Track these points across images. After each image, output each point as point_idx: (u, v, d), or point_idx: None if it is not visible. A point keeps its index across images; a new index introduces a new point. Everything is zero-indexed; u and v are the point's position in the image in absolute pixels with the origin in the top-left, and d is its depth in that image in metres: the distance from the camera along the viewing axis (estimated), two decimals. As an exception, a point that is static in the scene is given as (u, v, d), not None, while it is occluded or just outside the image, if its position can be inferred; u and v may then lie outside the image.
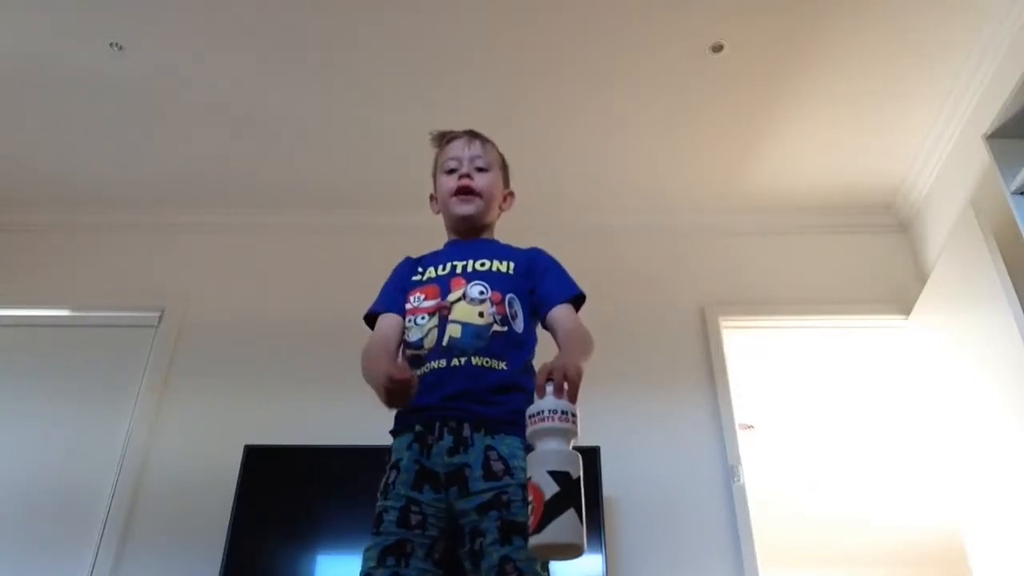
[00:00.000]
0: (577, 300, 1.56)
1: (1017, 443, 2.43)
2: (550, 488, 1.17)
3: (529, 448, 1.26)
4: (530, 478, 1.20)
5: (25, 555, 2.78)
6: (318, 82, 2.91)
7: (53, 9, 2.62)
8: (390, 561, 1.31)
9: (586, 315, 1.57)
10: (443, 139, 1.73)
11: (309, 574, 2.66)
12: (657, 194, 3.42)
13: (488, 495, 1.33)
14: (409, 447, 1.41)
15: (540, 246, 1.70)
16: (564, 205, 3.41)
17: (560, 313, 1.52)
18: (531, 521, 1.17)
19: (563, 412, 1.22)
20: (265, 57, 2.81)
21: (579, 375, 1.24)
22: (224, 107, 3.02)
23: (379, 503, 1.39)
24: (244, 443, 2.77)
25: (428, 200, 1.76)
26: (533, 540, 1.17)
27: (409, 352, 1.52)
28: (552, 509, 1.16)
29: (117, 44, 2.74)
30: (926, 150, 3.14)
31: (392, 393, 1.31)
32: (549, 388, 1.22)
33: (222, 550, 2.56)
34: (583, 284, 1.62)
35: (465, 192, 1.64)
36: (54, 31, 2.70)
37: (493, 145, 1.74)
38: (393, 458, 1.44)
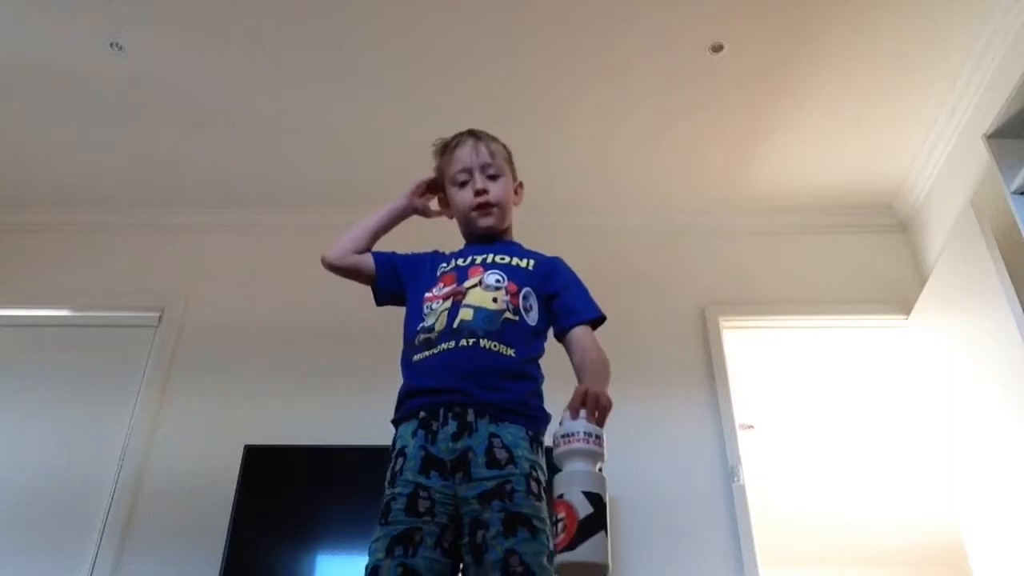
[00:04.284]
0: (598, 322, 1.57)
1: (1017, 443, 2.43)
2: (584, 508, 1.20)
3: (555, 469, 1.29)
4: (561, 496, 1.22)
5: (25, 555, 2.78)
6: (318, 82, 2.91)
7: (52, 9, 2.62)
8: (398, 551, 1.29)
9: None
10: (447, 148, 1.71)
11: (309, 574, 2.66)
12: (657, 194, 3.41)
13: (491, 483, 1.32)
14: (414, 434, 1.40)
15: (539, 245, 1.70)
16: (563, 205, 3.40)
17: (583, 334, 1.53)
18: (560, 539, 1.19)
19: (596, 436, 1.27)
20: (264, 57, 2.81)
21: (610, 405, 1.32)
22: (224, 107, 3.02)
23: (387, 492, 1.38)
24: (244, 443, 2.78)
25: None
26: (564, 557, 1.19)
27: (422, 336, 1.51)
28: (586, 529, 1.19)
29: (117, 44, 2.74)
30: (926, 150, 3.14)
31: None
32: (582, 412, 1.28)
33: (222, 550, 2.57)
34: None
35: (484, 206, 1.64)
36: (54, 31, 2.70)
37: (497, 141, 1.72)
38: (398, 446, 1.43)
